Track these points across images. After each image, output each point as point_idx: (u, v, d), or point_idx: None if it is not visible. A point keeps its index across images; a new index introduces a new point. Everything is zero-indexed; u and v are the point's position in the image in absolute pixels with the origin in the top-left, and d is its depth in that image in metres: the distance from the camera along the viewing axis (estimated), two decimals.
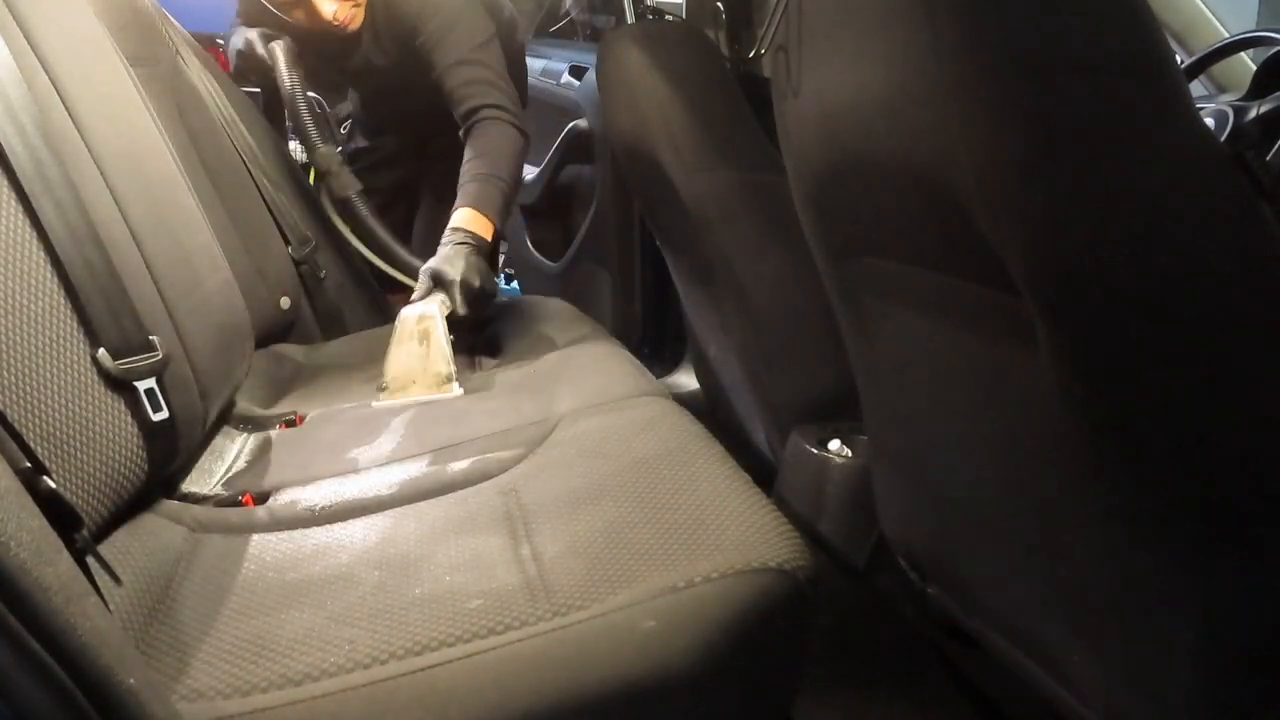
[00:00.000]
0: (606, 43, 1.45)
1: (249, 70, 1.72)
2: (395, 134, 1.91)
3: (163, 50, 1.46)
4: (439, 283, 1.39)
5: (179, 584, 0.87)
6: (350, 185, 1.72)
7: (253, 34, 1.69)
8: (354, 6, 1.55)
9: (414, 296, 1.41)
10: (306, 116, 1.68)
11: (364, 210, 1.74)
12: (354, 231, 1.76)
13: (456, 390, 1.29)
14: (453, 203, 1.73)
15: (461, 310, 1.38)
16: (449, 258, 1.40)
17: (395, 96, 1.81)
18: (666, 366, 2.09)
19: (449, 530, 0.93)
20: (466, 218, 1.45)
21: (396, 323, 1.35)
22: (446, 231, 1.44)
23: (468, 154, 1.52)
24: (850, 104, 0.75)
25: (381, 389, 1.30)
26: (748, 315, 1.32)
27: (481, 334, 1.48)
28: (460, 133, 1.57)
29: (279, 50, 1.66)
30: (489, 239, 1.45)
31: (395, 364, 1.30)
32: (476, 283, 1.39)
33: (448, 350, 1.31)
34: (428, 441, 1.15)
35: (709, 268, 1.38)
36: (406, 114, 1.87)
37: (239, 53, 1.72)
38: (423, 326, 1.32)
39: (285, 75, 1.66)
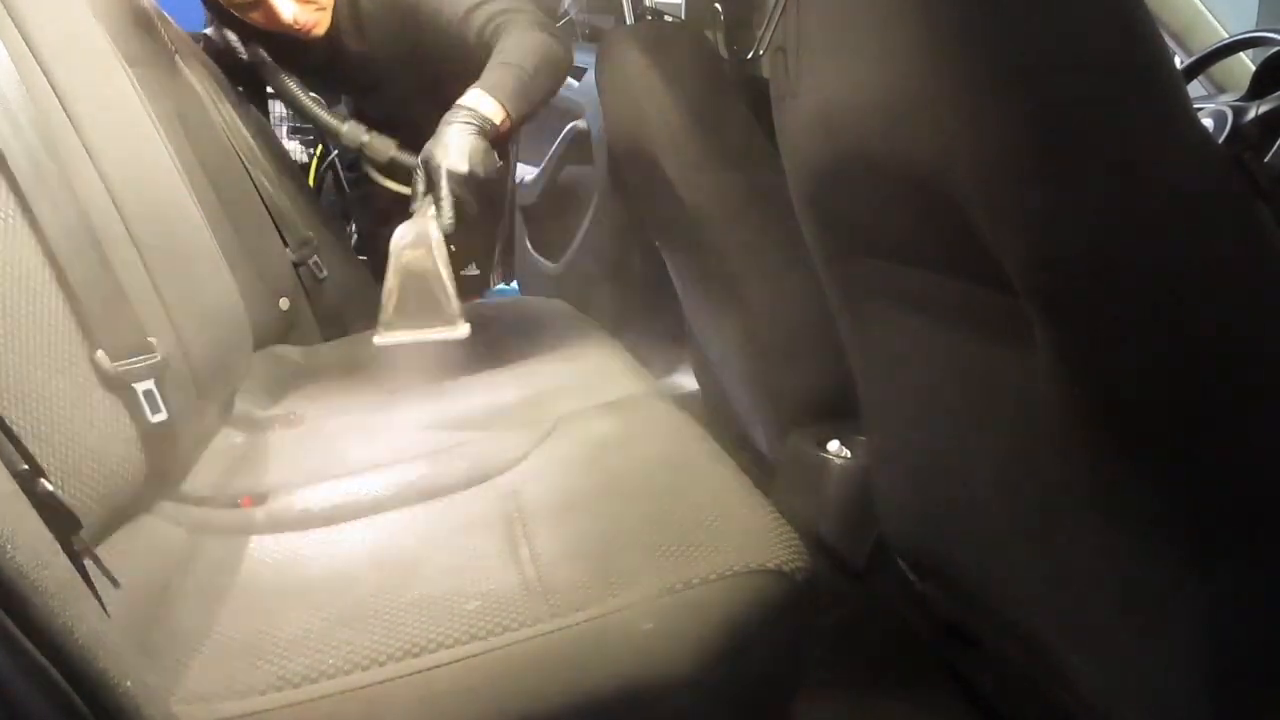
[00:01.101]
0: (606, 44, 1.45)
1: (212, 52, 1.69)
2: (393, 138, 1.91)
3: (161, 51, 1.46)
4: (430, 171, 1.24)
5: (177, 586, 0.87)
6: (390, 145, 1.65)
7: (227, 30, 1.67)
8: (317, 10, 1.50)
9: (412, 192, 1.27)
10: (309, 103, 1.65)
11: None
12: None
13: (463, 329, 1.18)
14: None
15: (447, 207, 1.19)
16: (443, 139, 1.24)
17: (390, 96, 1.79)
18: (666, 367, 2.08)
19: (447, 531, 0.93)
20: (472, 97, 1.29)
21: (390, 246, 1.20)
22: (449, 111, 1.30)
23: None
24: (849, 105, 0.75)
25: (384, 327, 1.17)
26: (747, 315, 1.32)
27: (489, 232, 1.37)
28: None
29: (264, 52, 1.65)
30: (498, 123, 1.29)
31: (389, 299, 1.18)
32: (466, 168, 1.22)
33: (449, 285, 1.17)
34: (426, 443, 1.15)
35: (708, 268, 1.38)
36: (403, 115, 1.86)
37: (205, 35, 1.69)
38: (419, 262, 1.17)
39: (274, 70, 1.64)
